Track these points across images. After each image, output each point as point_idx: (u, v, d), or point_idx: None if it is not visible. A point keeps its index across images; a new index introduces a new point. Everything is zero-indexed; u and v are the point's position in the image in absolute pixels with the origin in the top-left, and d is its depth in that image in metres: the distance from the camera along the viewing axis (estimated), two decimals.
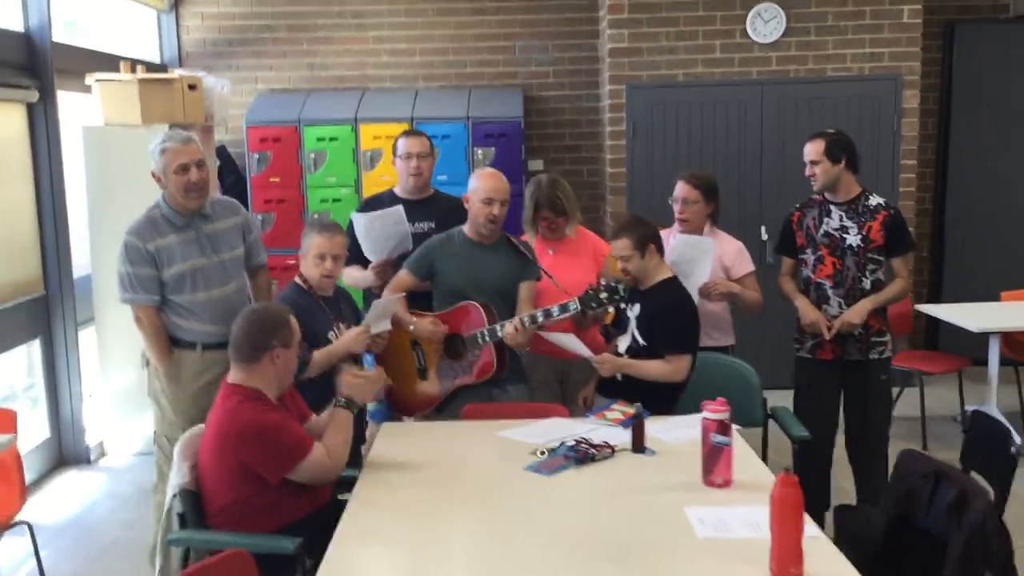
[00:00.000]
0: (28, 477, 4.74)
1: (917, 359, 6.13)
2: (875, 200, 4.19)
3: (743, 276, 4.25)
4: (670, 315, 3.71)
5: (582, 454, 3.12)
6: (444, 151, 6.76)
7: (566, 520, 2.70)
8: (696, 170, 4.33)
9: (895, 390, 4.65)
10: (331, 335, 3.63)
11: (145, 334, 3.77)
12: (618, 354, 3.84)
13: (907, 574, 2.87)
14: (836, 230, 4.17)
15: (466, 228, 3.96)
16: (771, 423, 3.96)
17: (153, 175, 3.74)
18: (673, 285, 3.81)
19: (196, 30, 7.33)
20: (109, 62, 6.04)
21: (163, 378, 3.80)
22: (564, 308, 3.68)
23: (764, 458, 3.69)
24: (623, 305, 3.65)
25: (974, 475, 3.14)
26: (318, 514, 2.98)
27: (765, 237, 6.52)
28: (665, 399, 3.74)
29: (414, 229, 4.25)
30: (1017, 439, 5.42)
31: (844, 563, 2.34)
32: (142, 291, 3.70)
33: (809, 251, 4.23)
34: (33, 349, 5.60)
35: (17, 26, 5.43)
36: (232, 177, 7.17)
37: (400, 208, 4.21)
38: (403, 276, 3.97)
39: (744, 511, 2.66)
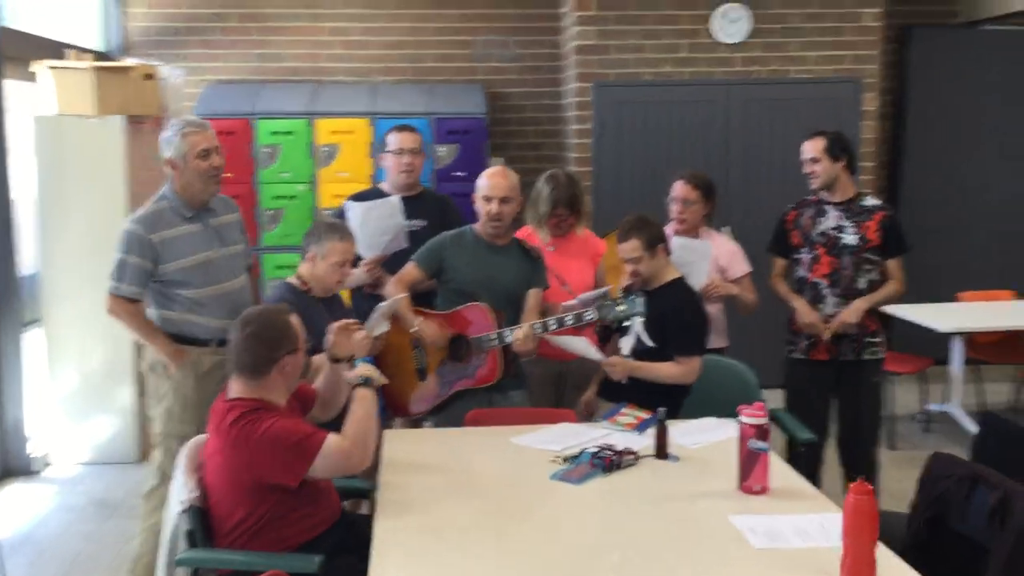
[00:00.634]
0: None
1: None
2: (871, 201, 4.20)
3: (740, 277, 4.21)
4: (682, 316, 3.63)
5: (608, 461, 3.01)
6: None
7: (610, 531, 2.59)
8: (693, 170, 4.26)
9: None
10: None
11: (129, 326, 3.60)
12: (622, 356, 3.75)
13: None
14: (833, 229, 4.15)
15: (477, 226, 3.82)
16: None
17: (168, 162, 3.59)
18: (682, 286, 3.74)
19: (141, 17, 7.00)
20: (53, 49, 5.71)
21: (176, 374, 3.61)
22: (579, 319, 3.57)
23: None
24: (642, 319, 3.56)
25: None
26: (331, 532, 2.81)
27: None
28: (670, 402, 3.65)
29: (405, 227, 4.09)
30: None
31: (911, 572, 2.27)
32: (129, 282, 3.52)
33: (805, 250, 4.21)
34: None
35: None
36: None
37: (397, 199, 4.06)
38: (410, 269, 3.81)
39: (793, 520, 2.59)
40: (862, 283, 4.15)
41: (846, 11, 6.54)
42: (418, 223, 4.17)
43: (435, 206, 4.30)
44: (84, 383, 5.43)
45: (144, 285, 3.55)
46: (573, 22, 6.55)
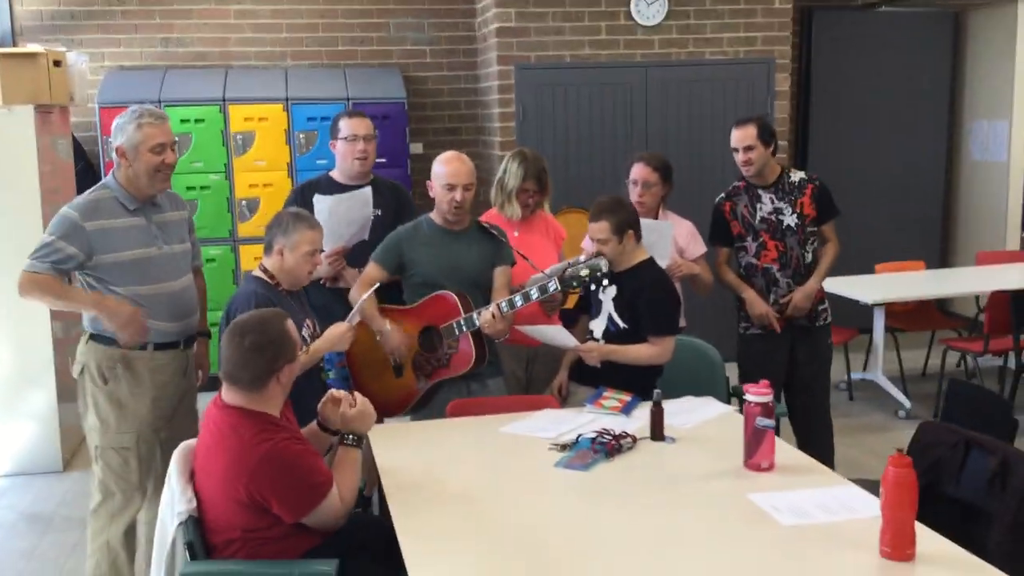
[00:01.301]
0: None
1: None
2: (796, 175, 4.30)
3: (697, 257, 4.25)
4: (654, 297, 3.63)
5: (610, 446, 2.99)
6: (324, 134, 6.42)
7: (634, 516, 2.57)
8: (649, 152, 4.28)
9: None
10: (304, 332, 3.31)
11: (47, 297, 3.27)
12: (593, 339, 3.74)
13: None
14: (771, 213, 4.24)
15: (433, 215, 3.73)
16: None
17: (118, 150, 3.33)
18: (651, 266, 3.74)
19: (32, 1, 6.56)
20: None
21: (110, 382, 3.36)
22: (543, 290, 3.52)
23: None
24: (605, 284, 3.53)
25: None
26: (339, 535, 2.71)
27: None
28: (643, 384, 3.66)
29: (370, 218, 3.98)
30: (906, 402, 5.82)
31: (947, 543, 2.34)
32: (49, 263, 3.22)
33: (750, 239, 4.29)
34: None
35: None
36: (80, 163, 6.49)
37: (368, 190, 3.92)
38: (372, 270, 3.68)
39: (810, 495, 2.62)
40: (809, 257, 4.29)
41: None
42: (373, 212, 4.05)
43: (389, 194, 4.18)
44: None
45: (62, 273, 3.26)
46: (492, 3, 6.48)
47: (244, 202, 6.47)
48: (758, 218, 4.25)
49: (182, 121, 6.31)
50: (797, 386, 4.41)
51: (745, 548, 2.35)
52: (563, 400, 3.78)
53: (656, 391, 3.17)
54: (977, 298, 6.39)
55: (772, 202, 4.23)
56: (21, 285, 3.26)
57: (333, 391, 2.94)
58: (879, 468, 2.35)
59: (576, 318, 3.97)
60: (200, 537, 2.60)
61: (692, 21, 6.63)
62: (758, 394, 2.81)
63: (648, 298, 3.62)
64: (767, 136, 4.19)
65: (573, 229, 4.47)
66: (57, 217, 3.30)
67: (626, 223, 3.64)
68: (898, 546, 2.24)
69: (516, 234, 4.01)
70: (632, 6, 6.53)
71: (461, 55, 7.15)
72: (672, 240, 4.12)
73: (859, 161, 7.57)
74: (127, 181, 3.36)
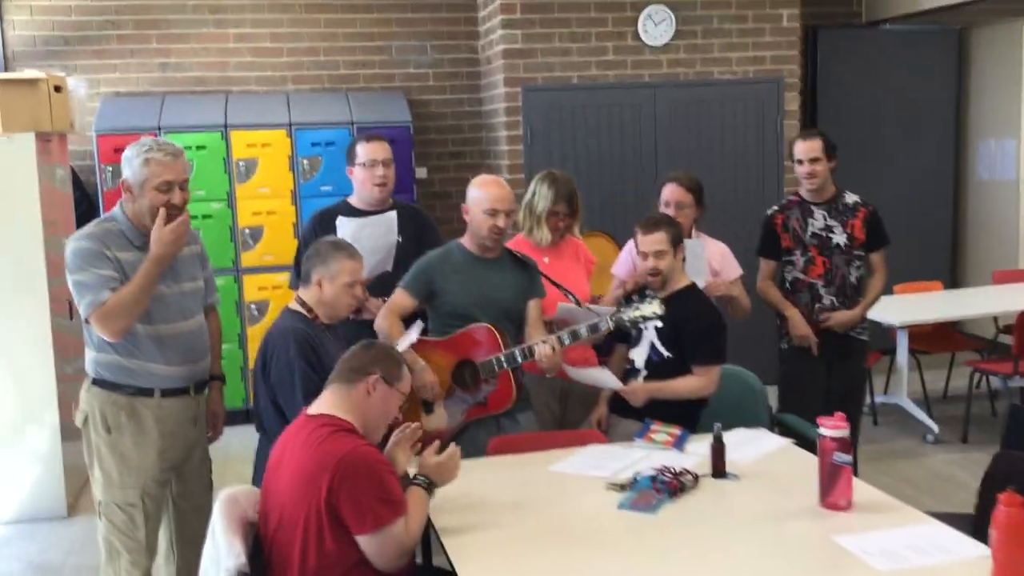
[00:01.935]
0: None
1: None
2: (851, 198, 4.27)
3: (733, 280, 4.12)
4: (702, 324, 3.50)
5: (674, 485, 2.84)
6: (328, 159, 6.27)
7: (716, 563, 2.41)
8: (682, 172, 4.16)
9: None
10: None
11: (132, 302, 3.01)
12: (634, 369, 3.59)
13: None
14: (822, 230, 4.22)
15: (465, 241, 3.56)
16: None
17: (122, 184, 3.11)
18: (697, 292, 3.61)
19: (24, 25, 6.38)
20: None
21: (114, 432, 3.14)
22: (594, 328, 3.38)
23: None
24: (659, 325, 3.40)
25: None
26: None
27: None
28: (688, 415, 3.53)
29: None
30: (934, 427, 5.69)
31: None
32: (106, 290, 3.00)
33: (798, 252, 4.24)
34: None
35: None
36: (77, 193, 6.28)
37: (393, 215, 3.76)
38: (400, 298, 3.51)
39: (898, 535, 2.48)
40: (853, 278, 4.25)
41: (766, 12, 6.61)
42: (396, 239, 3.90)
43: (409, 219, 4.02)
44: None
45: (115, 291, 3.01)
46: (498, 25, 6.36)
47: (247, 230, 6.28)
48: (809, 233, 4.21)
49: (183, 148, 6.11)
50: (831, 403, 4.28)
51: None
52: (604, 433, 3.62)
53: (717, 425, 3.01)
54: (996, 319, 6.29)
55: (824, 219, 4.21)
56: (105, 330, 3.02)
57: (407, 430, 2.81)
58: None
59: (612, 347, 3.83)
60: None
61: (700, 40, 6.54)
62: (834, 428, 2.67)
63: (696, 326, 3.49)
64: (831, 150, 4.18)
65: (593, 254, 4.34)
66: (71, 253, 3.06)
67: (678, 236, 3.53)
68: None
69: (546, 260, 3.86)
70: (639, 26, 6.44)
71: (464, 78, 7.02)
72: (706, 260, 4.00)
73: (865, 181, 7.42)
74: (133, 215, 3.12)
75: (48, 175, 5.06)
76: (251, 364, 4.66)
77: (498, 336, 3.42)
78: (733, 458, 3.09)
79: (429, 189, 6.92)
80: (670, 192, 4.02)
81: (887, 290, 6.17)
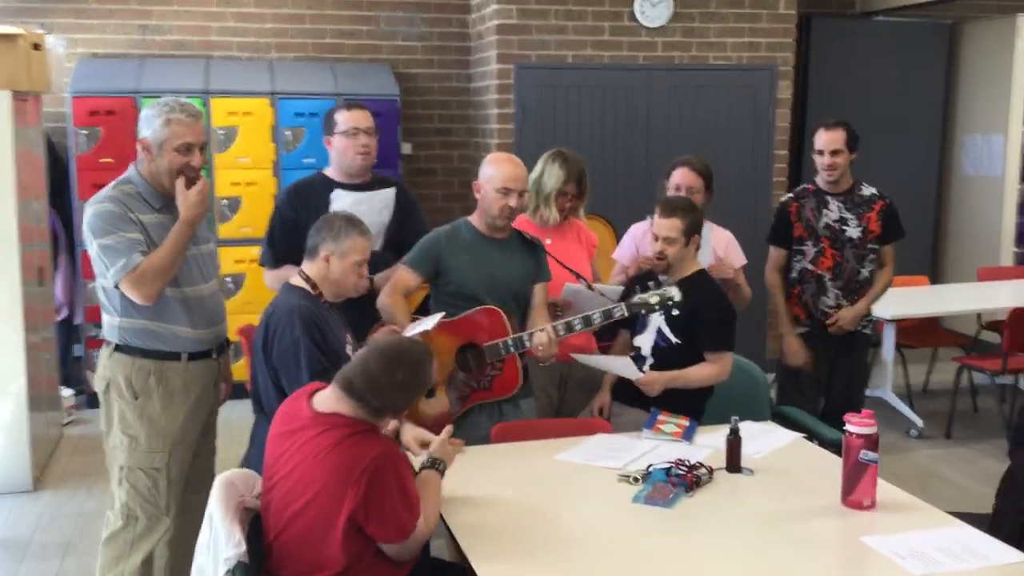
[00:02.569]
0: None
1: None
2: (868, 190, 4.20)
3: (737, 269, 4.02)
4: (714, 310, 3.40)
5: (690, 479, 2.74)
6: (313, 131, 6.09)
7: (742, 564, 2.32)
8: (692, 156, 4.05)
9: None
10: (348, 350, 3.00)
11: (166, 266, 2.99)
12: (640, 356, 3.49)
13: None
14: (836, 222, 4.14)
15: (474, 219, 3.43)
16: None
17: (142, 143, 3.03)
18: (708, 278, 3.51)
19: None
20: None
21: (141, 397, 3.07)
22: (608, 315, 3.27)
23: None
24: (675, 312, 3.29)
25: None
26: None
27: None
28: (693, 404, 3.44)
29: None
30: (918, 421, 5.67)
31: None
32: (137, 253, 2.95)
33: (809, 243, 4.16)
34: None
35: None
36: (48, 157, 6.05)
37: (391, 192, 3.60)
38: (405, 275, 3.37)
39: (926, 537, 2.40)
40: (864, 273, 4.18)
41: None
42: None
43: (399, 197, 3.81)
44: None
45: (146, 255, 2.96)
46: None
47: (225, 202, 6.09)
48: (822, 224, 4.13)
49: None
50: (832, 396, 4.24)
51: None
52: (607, 421, 3.51)
53: (734, 418, 2.92)
54: (979, 315, 6.27)
55: (839, 211, 4.13)
56: (138, 295, 2.96)
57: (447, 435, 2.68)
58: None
59: (615, 333, 3.72)
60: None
61: (696, 24, 6.42)
62: (862, 425, 2.58)
63: (708, 312, 3.38)
64: (854, 142, 4.10)
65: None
66: (94, 216, 2.98)
67: (695, 227, 3.42)
68: None
69: (549, 241, 3.74)
70: (636, 7, 6.30)
71: (454, 52, 6.85)
72: (712, 248, 3.91)
73: (854, 172, 7.42)
74: (151, 176, 3.06)
75: (23, 137, 4.84)
76: None
77: (505, 320, 3.30)
78: (745, 452, 2.99)
79: (414, 165, 6.76)
80: (681, 176, 3.92)
81: None
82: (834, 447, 3.46)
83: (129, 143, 5.81)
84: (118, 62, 6.20)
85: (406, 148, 6.65)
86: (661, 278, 3.41)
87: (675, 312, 3.26)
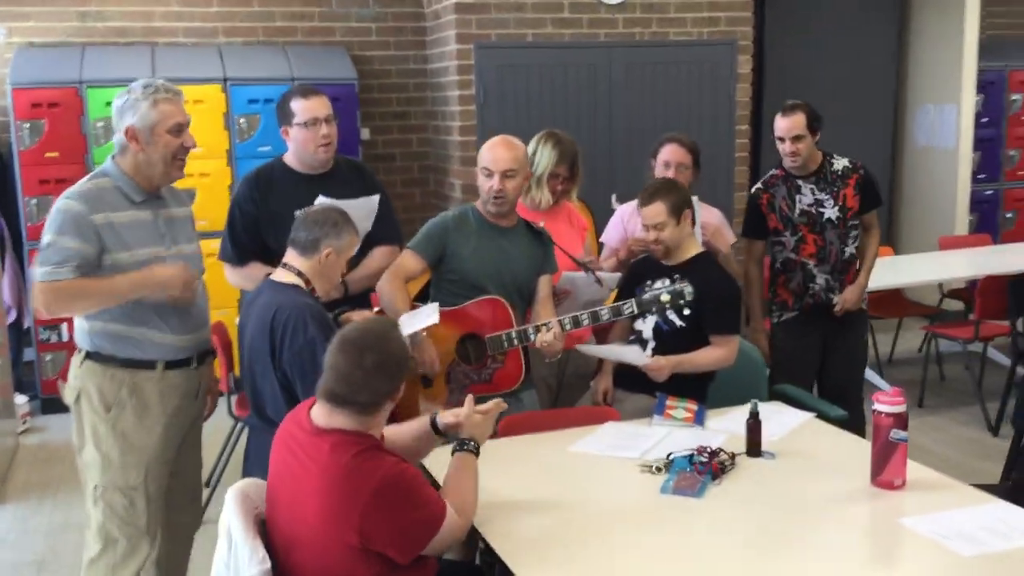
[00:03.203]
0: None
1: None
2: (840, 163, 4.09)
3: (727, 250, 3.96)
4: (721, 292, 3.32)
5: (716, 467, 2.66)
6: (268, 117, 5.88)
7: (786, 549, 2.25)
8: (679, 133, 3.96)
9: None
10: None
11: (83, 303, 2.80)
12: (642, 340, 3.41)
13: None
14: (811, 206, 4.02)
15: (479, 204, 3.31)
16: None
17: (128, 131, 2.78)
18: (711, 260, 3.44)
19: None
20: None
21: (113, 409, 2.84)
22: (617, 311, 3.19)
23: None
24: (686, 311, 3.21)
25: None
26: None
27: (615, 206, 6.29)
28: (696, 388, 3.37)
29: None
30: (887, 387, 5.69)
31: None
32: (69, 267, 2.71)
33: (787, 233, 4.05)
34: None
35: None
36: None
37: (376, 199, 3.39)
38: (408, 260, 3.23)
39: (967, 516, 2.35)
40: (849, 251, 4.07)
41: None
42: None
43: (356, 181, 3.53)
44: None
45: (86, 274, 2.74)
46: None
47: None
48: (797, 211, 4.00)
49: (107, 104, 5.57)
50: (830, 377, 4.19)
51: None
52: (609, 406, 3.43)
53: (753, 401, 2.85)
54: (941, 285, 6.34)
55: (813, 193, 3.99)
56: (46, 304, 2.74)
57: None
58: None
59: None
60: None
61: (655, 0, 6.34)
62: (891, 404, 2.53)
63: (714, 295, 3.29)
64: (815, 123, 3.95)
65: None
66: (56, 211, 2.76)
67: (682, 202, 3.33)
68: None
69: (542, 223, 3.62)
70: None
71: (410, 33, 6.67)
72: (700, 225, 3.83)
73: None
74: (134, 168, 2.83)
75: None
76: None
77: (510, 311, 3.19)
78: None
79: (372, 151, 6.57)
80: (670, 152, 3.83)
81: None
82: (840, 426, 3.44)
83: (76, 135, 5.67)
84: (58, 51, 5.91)
85: (364, 134, 6.46)
86: (674, 276, 3.31)
87: (687, 312, 3.19)
